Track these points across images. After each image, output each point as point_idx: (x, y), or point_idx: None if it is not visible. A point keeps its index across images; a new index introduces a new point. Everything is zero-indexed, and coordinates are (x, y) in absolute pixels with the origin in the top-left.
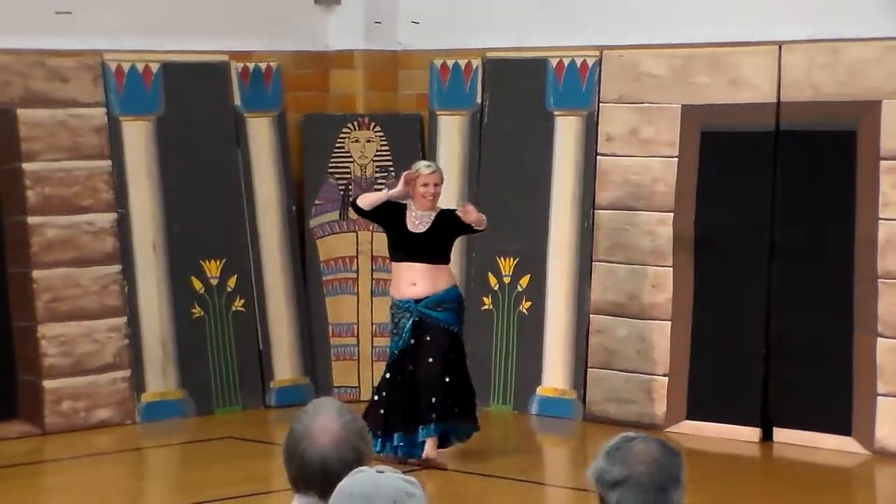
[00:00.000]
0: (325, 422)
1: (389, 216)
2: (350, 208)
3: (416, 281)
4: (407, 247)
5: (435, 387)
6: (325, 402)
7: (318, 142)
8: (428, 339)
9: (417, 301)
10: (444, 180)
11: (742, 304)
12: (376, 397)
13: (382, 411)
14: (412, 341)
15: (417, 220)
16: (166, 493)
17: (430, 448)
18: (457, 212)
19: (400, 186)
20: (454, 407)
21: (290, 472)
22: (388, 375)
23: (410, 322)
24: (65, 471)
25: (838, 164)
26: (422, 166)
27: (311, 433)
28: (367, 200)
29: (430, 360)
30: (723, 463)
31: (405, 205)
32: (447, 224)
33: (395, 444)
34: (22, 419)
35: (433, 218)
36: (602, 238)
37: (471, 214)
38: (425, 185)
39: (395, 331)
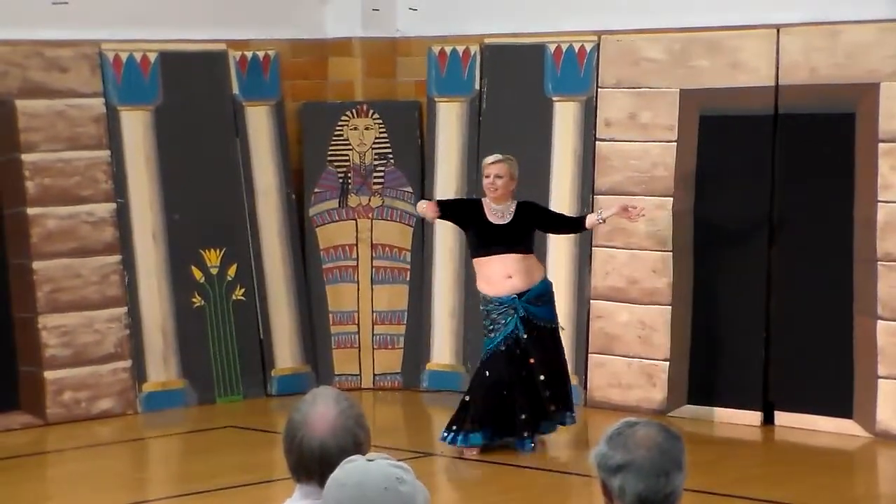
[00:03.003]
0: (322, 410)
1: (466, 212)
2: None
3: (510, 273)
4: (493, 239)
5: (538, 387)
6: (322, 391)
7: (317, 130)
8: (534, 335)
9: (520, 295)
10: (512, 174)
11: (742, 288)
12: (467, 397)
13: (473, 409)
14: (524, 336)
15: (497, 213)
16: (168, 482)
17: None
18: (618, 215)
19: None
20: (552, 403)
21: (290, 462)
22: (487, 373)
23: (517, 318)
24: (67, 461)
25: (837, 146)
26: (488, 157)
27: (309, 422)
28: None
29: (532, 360)
30: (724, 447)
31: (480, 200)
32: (528, 215)
33: (472, 441)
34: (24, 410)
35: (514, 209)
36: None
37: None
38: (487, 175)
39: (491, 327)
